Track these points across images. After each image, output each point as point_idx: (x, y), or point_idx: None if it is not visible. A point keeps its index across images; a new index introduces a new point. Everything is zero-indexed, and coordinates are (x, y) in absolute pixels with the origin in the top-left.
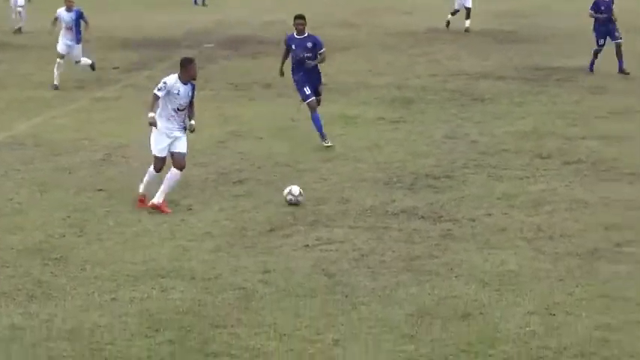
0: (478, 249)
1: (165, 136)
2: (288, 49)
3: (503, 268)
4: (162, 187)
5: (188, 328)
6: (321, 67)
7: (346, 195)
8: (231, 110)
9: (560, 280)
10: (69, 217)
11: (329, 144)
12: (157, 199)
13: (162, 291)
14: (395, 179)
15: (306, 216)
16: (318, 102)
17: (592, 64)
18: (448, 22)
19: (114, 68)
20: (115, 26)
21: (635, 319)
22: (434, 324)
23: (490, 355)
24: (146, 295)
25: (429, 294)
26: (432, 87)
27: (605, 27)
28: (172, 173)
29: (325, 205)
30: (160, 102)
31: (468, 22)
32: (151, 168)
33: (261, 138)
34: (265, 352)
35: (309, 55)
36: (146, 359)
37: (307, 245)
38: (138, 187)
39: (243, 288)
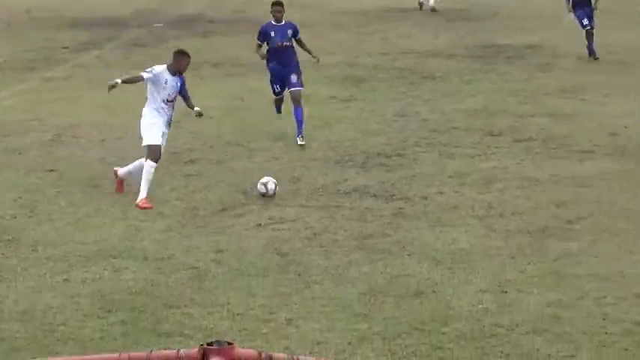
0: (430, 227)
1: (157, 127)
2: (264, 39)
3: (455, 246)
4: (142, 184)
5: (141, 309)
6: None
7: (298, 174)
8: None
9: (512, 257)
10: (20, 197)
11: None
12: (141, 196)
13: (115, 271)
14: (346, 158)
15: (258, 195)
16: (298, 96)
17: (590, 47)
18: (421, 4)
19: (63, 48)
20: (65, 5)
21: (586, 296)
22: (386, 302)
23: (443, 333)
24: (98, 276)
25: (382, 272)
26: (382, 65)
27: (583, 11)
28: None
29: (277, 184)
30: (149, 93)
31: (432, 1)
32: (144, 160)
33: (212, 117)
34: (218, 331)
35: (287, 43)
36: (99, 340)
37: (260, 224)
38: (91, 167)
39: (196, 268)
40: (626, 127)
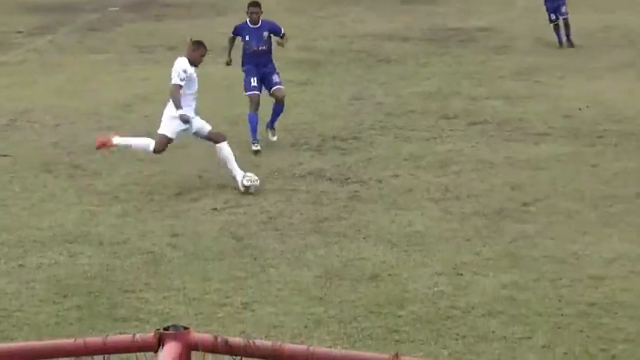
0: (385, 210)
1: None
2: (234, 39)
3: (411, 228)
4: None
5: (96, 294)
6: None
7: (254, 158)
8: (136, 73)
9: (467, 240)
10: None
11: (257, 148)
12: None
13: (70, 256)
14: (302, 141)
15: (214, 179)
16: (281, 95)
17: (559, 38)
18: None
19: (17, 32)
20: None
21: (542, 278)
22: (342, 285)
23: (399, 316)
24: (54, 261)
25: (337, 256)
26: (339, 49)
27: (553, 2)
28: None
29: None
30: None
31: None
32: (152, 147)
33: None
34: (174, 316)
35: (263, 47)
36: (54, 325)
37: (215, 209)
38: (45, 152)
39: (152, 252)
40: (580, 109)
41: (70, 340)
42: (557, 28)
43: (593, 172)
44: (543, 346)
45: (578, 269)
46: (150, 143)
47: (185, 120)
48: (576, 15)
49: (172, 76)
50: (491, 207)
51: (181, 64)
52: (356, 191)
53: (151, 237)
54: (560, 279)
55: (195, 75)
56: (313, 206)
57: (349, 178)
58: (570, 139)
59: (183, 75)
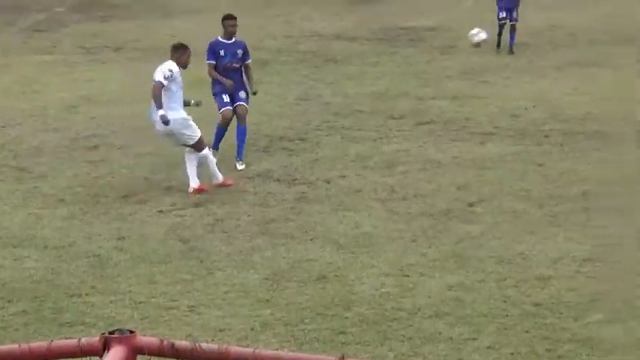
0: (333, 211)
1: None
2: (214, 58)
3: (358, 230)
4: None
5: (42, 298)
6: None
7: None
8: (82, 74)
9: (414, 240)
10: None
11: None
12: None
13: (15, 260)
14: (250, 142)
15: (161, 182)
16: (242, 112)
17: (499, 40)
18: None
19: None
20: None
21: (487, 278)
22: (289, 287)
23: (346, 317)
24: None
25: (284, 257)
26: (286, 48)
27: (508, 3)
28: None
29: (179, 169)
30: (168, 93)
31: None
32: (196, 152)
33: (114, 102)
34: (120, 320)
35: (236, 65)
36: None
37: (161, 211)
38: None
39: (98, 255)
40: (526, 108)
41: (15, 346)
42: (501, 29)
43: (540, 171)
44: (489, 347)
45: (524, 269)
46: (205, 155)
47: (165, 121)
48: (523, 13)
49: (155, 75)
50: (438, 207)
51: (168, 64)
52: (303, 192)
53: (97, 240)
54: (506, 279)
55: (180, 78)
56: (260, 208)
57: (296, 179)
58: (517, 139)
59: (168, 74)
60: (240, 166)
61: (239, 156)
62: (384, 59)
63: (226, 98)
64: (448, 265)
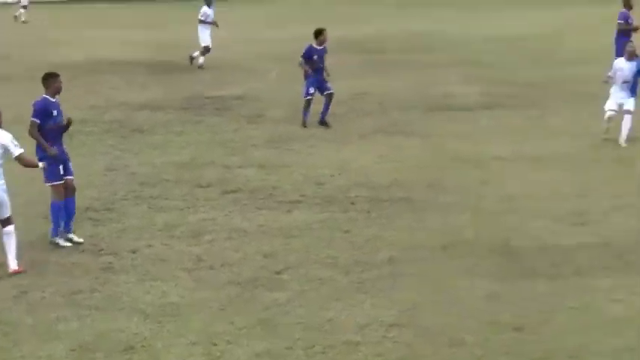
0: (139, 281)
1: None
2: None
3: (165, 299)
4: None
5: None
6: None
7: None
8: None
9: (221, 309)
10: None
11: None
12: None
13: None
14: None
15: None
16: (72, 186)
17: (304, 118)
18: (192, 58)
19: None
20: None
21: (295, 345)
22: (96, 358)
23: None
24: None
25: (91, 328)
26: (91, 119)
27: (316, 78)
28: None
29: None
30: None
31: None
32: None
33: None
34: None
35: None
36: None
37: None
38: None
39: None
40: (332, 176)
41: None
42: (308, 105)
43: (346, 238)
44: None
45: (332, 335)
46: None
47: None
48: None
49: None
50: (245, 276)
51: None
52: (109, 262)
53: None
54: (314, 346)
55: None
56: (65, 279)
57: (102, 250)
58: (323, 207)
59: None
60: (63, 243)
61: (55, 233)
62: (189, 128)
63: (61, 170)
64: (256, 333)
